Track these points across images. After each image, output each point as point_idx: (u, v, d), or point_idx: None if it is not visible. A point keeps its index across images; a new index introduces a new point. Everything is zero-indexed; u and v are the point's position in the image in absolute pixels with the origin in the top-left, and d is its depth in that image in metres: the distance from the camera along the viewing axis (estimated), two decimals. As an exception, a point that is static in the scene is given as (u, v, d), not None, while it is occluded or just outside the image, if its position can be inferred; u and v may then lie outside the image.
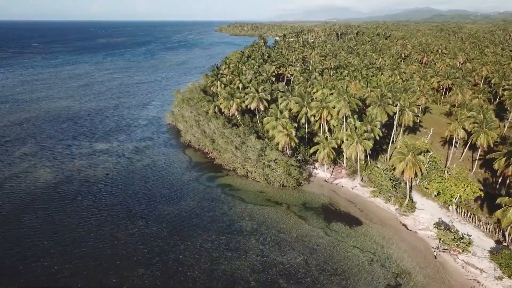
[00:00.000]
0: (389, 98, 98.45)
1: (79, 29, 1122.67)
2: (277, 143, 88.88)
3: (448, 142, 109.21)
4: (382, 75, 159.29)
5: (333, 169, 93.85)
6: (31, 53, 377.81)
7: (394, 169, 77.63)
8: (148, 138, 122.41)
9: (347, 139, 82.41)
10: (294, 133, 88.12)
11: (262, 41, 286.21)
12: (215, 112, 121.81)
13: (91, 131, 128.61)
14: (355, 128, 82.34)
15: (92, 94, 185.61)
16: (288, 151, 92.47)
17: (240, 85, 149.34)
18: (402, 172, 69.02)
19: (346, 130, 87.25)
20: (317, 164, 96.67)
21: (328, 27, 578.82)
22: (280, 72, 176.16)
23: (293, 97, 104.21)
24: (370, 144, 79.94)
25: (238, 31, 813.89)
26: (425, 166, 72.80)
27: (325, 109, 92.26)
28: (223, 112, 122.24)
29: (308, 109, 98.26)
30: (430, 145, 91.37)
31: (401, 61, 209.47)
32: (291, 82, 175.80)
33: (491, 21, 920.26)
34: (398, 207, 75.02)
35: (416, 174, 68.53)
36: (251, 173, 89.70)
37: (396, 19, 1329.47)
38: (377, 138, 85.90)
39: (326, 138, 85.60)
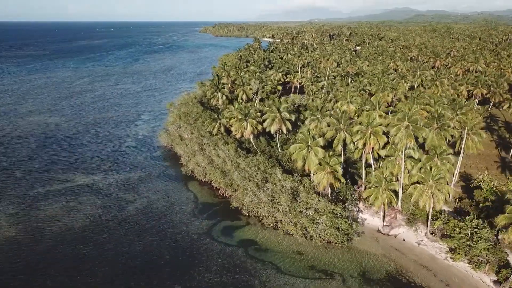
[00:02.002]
0: (449, 118, 78.62)
1: (56, 30, 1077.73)
2: (318, 183, 67.70)
3: (506, 167, 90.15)
4: (405, 84, 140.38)
5: (384, 212, 73.07)
6: (3, 57, 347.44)
7: (488, 222, 57.61)
8: (139, 166, 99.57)
9: (419, 182, 61.55)
10: (340, 170, 67.12)
11: (257, 43, 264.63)
12: (221, 132, 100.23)
13: (69, 157, 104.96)
14: (429, 166, 61.65)
15: (70, 108, 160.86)
16: (328, 190, 71.30)
17: (244, 97, 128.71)
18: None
19: (412, 167, 66.80)
20: (361, 205, 75.81)
21: (318, 27, 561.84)
22: (287, 80, 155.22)
23: (326, 118, 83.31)
24: (450, 189, 59.50)
25: (223, 32, 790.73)
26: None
27: (372, 135, 71.46)
28: (231, 132, 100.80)
29: (346, 134, 77.40)
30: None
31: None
32: (297, 90, 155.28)
33: (472, 21, 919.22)
34: (499, 280, 54.61)
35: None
36: (282, 223, 68.11)
37: (377, 19, 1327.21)
38: (448, 176, 65.54)
39: (385, 179, 64.65)
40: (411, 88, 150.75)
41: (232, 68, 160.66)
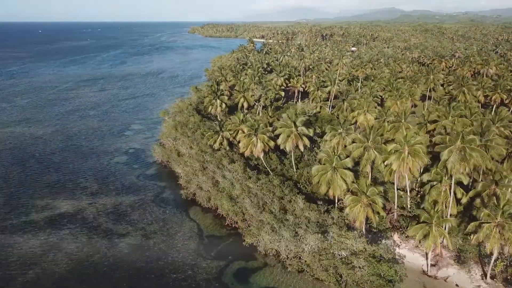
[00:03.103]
0: (494, 134, 67.93)
1: (41, 30, 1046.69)
2: (353, 219, 56.22)
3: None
4: (418, 88, 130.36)
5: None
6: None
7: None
8: (131, 188, 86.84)
9: (484, 220, 50.15)
10: (380, 202, 55.76)
11: (252, 44, 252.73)
12: (224, 148, 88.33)
13: (49, 178, 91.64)
14: (493, 197, 50.54)
15: (52, 117, 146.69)
16: (362, 224, 59.74)
17: (245, 104, 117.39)
18: None
19: (462, 196, 55.66)
20: (396, 237, 64.55)
21: (309, 28, 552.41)
22: (289, 84, 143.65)
23: (350, 134, 71.95)
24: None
25: (212, 32, 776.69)
26: None
27: (410, 156, 60.31)
28: (234, 146, 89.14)
29: (376, 153, 66.08)
30: None
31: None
32: (299, 96, 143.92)
33: (458, 21, 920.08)
34: None
35: None
36: (310, 267, 56.23)
37: (365, 19, 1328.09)
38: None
39: (437, 212, 53.37)
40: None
41: (228, 72, 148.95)
